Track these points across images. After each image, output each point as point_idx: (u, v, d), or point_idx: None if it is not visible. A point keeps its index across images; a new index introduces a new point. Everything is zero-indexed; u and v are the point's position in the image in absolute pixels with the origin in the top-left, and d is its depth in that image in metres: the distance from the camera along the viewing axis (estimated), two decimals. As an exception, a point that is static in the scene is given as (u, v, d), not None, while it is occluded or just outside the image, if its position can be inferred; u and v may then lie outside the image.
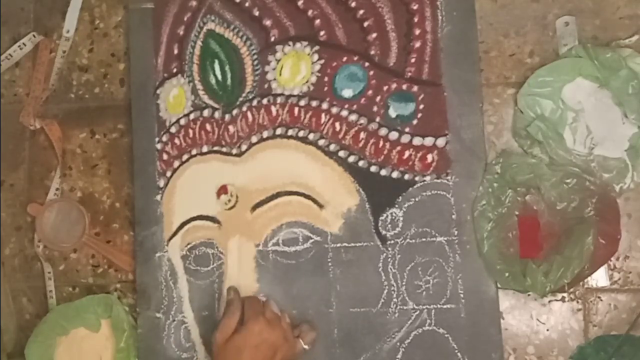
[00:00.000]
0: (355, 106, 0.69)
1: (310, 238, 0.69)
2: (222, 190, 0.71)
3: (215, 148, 0.72)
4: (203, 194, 0.72)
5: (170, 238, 0.73)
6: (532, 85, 0.65)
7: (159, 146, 0.74)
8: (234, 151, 0.72)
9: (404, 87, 0.68)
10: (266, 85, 0.71)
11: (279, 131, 0.70)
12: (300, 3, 0.71)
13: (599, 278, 0.65)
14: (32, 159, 0.80)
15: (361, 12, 0.69)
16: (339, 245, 0.68)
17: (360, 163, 0.68)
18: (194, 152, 0.73)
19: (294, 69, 0.71)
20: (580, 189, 0.62)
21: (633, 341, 0.63)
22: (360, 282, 0.67)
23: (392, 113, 0.68)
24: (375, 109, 0.68)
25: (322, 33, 0.70)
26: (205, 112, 0.73)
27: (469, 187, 0.65)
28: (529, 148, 0.65)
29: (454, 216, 0.66)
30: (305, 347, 0.65)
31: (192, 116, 0.73)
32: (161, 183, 0.74)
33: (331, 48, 0.70)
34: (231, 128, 0.72)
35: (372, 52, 0.69)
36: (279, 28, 0.71)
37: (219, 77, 0.73)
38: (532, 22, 0.68)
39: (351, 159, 0.68)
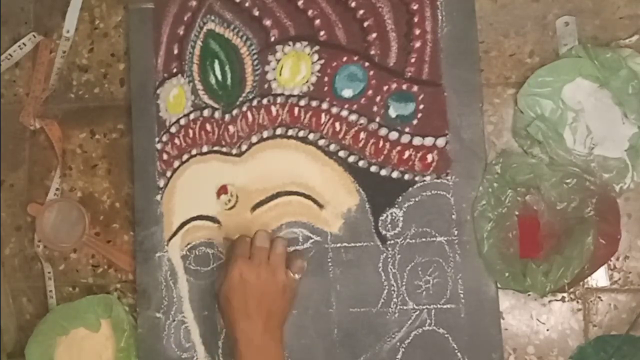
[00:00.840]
0: (355, 106, 0.69)
1: (310, 238, 0.69)
2: (222, 190, 0.71)
3: (215, 148, 0.72)
4: (203, 194, 0.72)
5: (170, 238, 0.73)
6: (532, 85, 0.65)
7: (159, 146, 0.74)
8: (234, 151, 0.72)
9: (404, 87, 0.68)
10: (266, 85, 0.71)
11: (279, 131, 0.70)
12: (300, 3, 0.71)
13: (599, 278, 0.65)
14: (32, 159, 0.80)
15: (361, 12, 0.69)
16: (339, 245, 0.68)
17: (360, 163, 0.68)
18: (194, 152, 0.73)
19: (294, 69, 0.71)
20: (580, 189, 0.62)
21: (633, 341, 0.63)
22: (360, 282, 0.67)
23: (392, 113, 0.68)
24: (375, 109, 0.68)
25: (322, 33, 0.70)
26: (205, 112, 0.73)
27: (469, 187, 0.65)
28: (529, 148, 0.65)
29: (454, 216, 0.66)
30: (296, 276, 0.65)
31: (192, 116, 0.73)
32: (161, 183, 0.74)
33: (331, 48, 0.70)
34: (231, 128, 0.72)
35: (372, 52, 0.69)
36: (279, 28, 0.72)
37: (219, 77, 0.73)
38: (532, 22, 0.68)
39: (351, 159, 0.68)
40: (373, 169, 0.68)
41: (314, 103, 0.70)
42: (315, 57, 0.70)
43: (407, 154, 0.67)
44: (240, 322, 0.61)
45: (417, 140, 0.67)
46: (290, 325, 0.67)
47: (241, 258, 0.63)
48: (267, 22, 0.72)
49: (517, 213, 0.65)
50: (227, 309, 0.62)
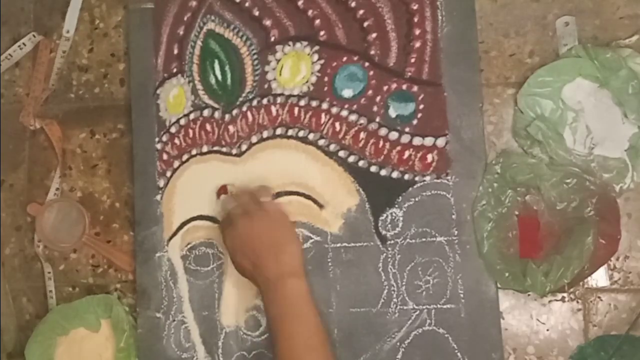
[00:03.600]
0: (355, 106, 0.69)
1: (310, 238, 0.69)
2: (222, 190, 0.71)
3: (215, 148, 0.72)
4: (203, 194, 0.72)
5: (170, 238, 0.73)
6: (532, 85, 0.65)
7: (159, 146, 0.74)
8: (234, 151, 0.72)
9: (404, 87, 0.68)
10: (266, 85, 0.71)
11: (279, 131, 0.70)
12: (300, 3, 0.71)
13: (599, 278, 0.65)
14: (32, 159, 0.80)
15: (361, 12, 0.69)
16: (339, 245, 0.68)
17: (360, 163, 0.68)
18: (194, 152, 0.73)
19: (294, 69, 0.71)
20: (580, 189, 0.62)
21: (633, 341, 0.63)
22: (360, 282, 0.67)
23: (392, 113, 0.68)
24: (375, 109, 0.68)
25: (322, 33, 0.70)
26: (205, 112, 0.73)
27: (469, 187, 0.65)
28: (529, 148, 0.65)
29: (454, 216, 0.66)
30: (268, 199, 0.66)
31: (192, 116, 0.73)
32: (161, 183, 0.74)
33: (331, 48, 0.70)
34: (231, 128, 0.72)
35: (372, 52, 0.69)
36: (279, 28, 0.72)
37: (219, 77, 0.73)
38: (532, 22, 0.68)
39: (351, 159, 0.68)
40: (373, 169, 0.68)
41: (314, 103, 0.70)
42: (315, 57, 0.70)
43: (407, 154, 0.67)
44: (255, 271, 0.61)
45: (417, 140, 0.67)
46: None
47: (235, 215, 0.63)
48: (267, 22, 0.72)
49: (517, 213, 0.65)
50: (241, 270, 0.63)
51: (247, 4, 0.73)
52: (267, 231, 0.62)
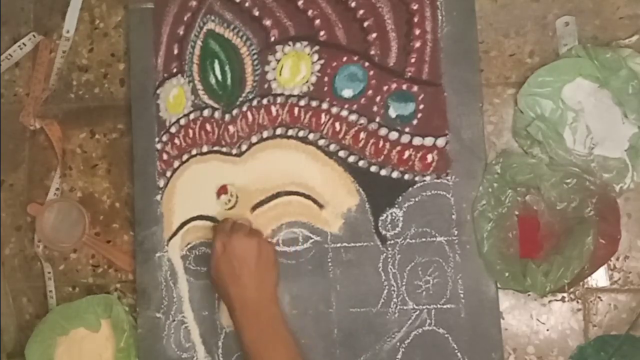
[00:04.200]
0: (355, 106, 0.69)
1: (310, 238, 0.69)
2: (222, 190, 0.71)
3: (215, 148, 0.72)
4: (203, 194, 0.72)
5: (170, 238, 0.73)
6: (532, 85, 0.65)
7: (159, 146, 0.74)
8: (234, 151, 0.72)
9: (404, 87, 0.68)
10: (266, 85, 0.71)
11: (279, 131, 0.70)
12: (300, 3, 0.71)
13: (599, 278, 0.65)
14: (32, 159, 0.80)
15: (361, 12, 0.69)
16: (339, 245, 0.68)
17: (360, 163, 0.68)
18: (194, 152, 0.73)
19: (294, 69, 0.71)
20: (580, 189, 0.62)
21: (633, 341, 0.63)
22: (360, 282, 0.67)
23: (392, 113, 0.68)
24: (375, 109, 0.68)
25: (322, 33, 0.70)
26: (205, 112, 0.73)
27: (469, 187, 0.65)
28: (529, 148, 0.65)
29: (454, 216, 0.66)
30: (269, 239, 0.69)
31: (192, 116, 0.73)
32: (161, 183, 0.74)
33: (331, 48, 0.70)
34: (231, 128, 0.72)
35: (372, 52, 0.69)
36: (279, 28, 0.72)
37: (219, 77, 0.73)
38: (532, 22, 0.68)
39: (351, 159, 0.68)
40: (373, 169, 0.68)
41: (314, 103, 0.70)
42: (315, 57, 0.70)
43: (407, 154, 0.67)
44: (232, 287, 0.63)
45: (417, 140, 0.67)
46: (290, 325, 0.66)
47: (222, 232, 0.65)
48: (267, 22, 0.72)
49: (517, 213, 0.65)
50: (218, 280, 0.64)
51: (247, 4, 0.73)
52: (251, 255, 0.63)
